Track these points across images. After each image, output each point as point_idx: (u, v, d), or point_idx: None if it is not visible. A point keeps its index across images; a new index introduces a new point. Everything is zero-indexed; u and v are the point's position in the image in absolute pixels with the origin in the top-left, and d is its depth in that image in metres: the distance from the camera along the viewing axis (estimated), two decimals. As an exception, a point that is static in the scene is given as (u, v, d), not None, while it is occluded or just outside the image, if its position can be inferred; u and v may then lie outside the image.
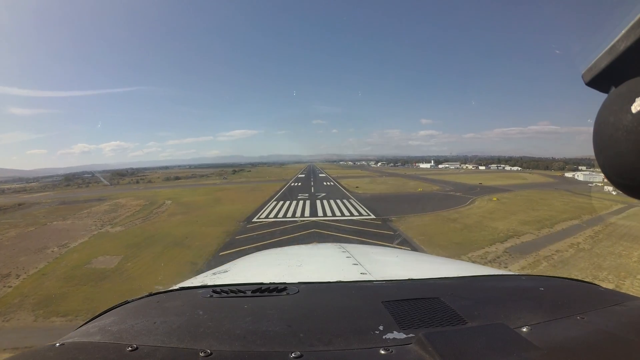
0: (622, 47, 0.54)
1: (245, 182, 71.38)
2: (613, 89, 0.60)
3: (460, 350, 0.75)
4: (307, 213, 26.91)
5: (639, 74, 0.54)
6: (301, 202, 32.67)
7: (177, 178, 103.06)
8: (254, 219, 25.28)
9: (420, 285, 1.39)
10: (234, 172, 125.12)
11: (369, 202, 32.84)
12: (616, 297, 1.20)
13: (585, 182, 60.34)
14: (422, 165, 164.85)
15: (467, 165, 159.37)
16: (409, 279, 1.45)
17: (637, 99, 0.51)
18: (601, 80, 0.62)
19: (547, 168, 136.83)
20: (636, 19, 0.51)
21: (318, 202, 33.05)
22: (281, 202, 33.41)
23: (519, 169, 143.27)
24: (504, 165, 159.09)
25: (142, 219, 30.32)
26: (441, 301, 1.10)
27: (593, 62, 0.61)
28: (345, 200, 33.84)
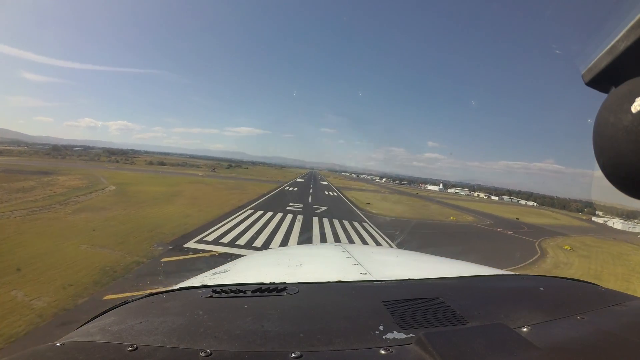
0: (622, 47, 0.53)
1: (232, 178, 60.66)
2: (613, 89, 0.58)
3: (460, 350, 0.75)
4: (292, 242, 15.41)
5: (639, 74, 0.53)
6: (289, 218, 21.23)
7: (162, 164, 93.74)
8: (192, 242, 13.65)
9: (420, 285, 1.38)
10: (229, 166, 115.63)
11: (394, 231, 21.44)
12: (616, 297, 1.21)
13: (629, 232, 53.93)
14: (430, 187, 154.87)
15: (478, 193, 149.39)
16: (409, 279, 1.44)
17: (637, 99, 0.50)
18: (601, 80, 0.60)
19: (564, 207, 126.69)
20: (636, 19, 0.50)
21: (315, 220, 21.57)
22: (259, 213, 21.99)
23: (535, 204, 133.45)
24: (517, 198, 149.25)
25: (36, 209, 19.06)
26: (441, 301, 1.10)
27: (593, 62, 0.60)
28: (356, 224, 22.32)
